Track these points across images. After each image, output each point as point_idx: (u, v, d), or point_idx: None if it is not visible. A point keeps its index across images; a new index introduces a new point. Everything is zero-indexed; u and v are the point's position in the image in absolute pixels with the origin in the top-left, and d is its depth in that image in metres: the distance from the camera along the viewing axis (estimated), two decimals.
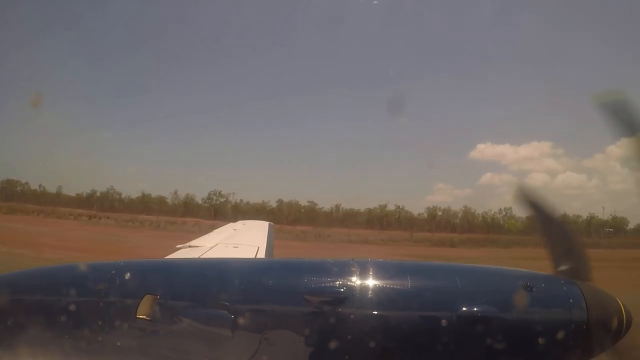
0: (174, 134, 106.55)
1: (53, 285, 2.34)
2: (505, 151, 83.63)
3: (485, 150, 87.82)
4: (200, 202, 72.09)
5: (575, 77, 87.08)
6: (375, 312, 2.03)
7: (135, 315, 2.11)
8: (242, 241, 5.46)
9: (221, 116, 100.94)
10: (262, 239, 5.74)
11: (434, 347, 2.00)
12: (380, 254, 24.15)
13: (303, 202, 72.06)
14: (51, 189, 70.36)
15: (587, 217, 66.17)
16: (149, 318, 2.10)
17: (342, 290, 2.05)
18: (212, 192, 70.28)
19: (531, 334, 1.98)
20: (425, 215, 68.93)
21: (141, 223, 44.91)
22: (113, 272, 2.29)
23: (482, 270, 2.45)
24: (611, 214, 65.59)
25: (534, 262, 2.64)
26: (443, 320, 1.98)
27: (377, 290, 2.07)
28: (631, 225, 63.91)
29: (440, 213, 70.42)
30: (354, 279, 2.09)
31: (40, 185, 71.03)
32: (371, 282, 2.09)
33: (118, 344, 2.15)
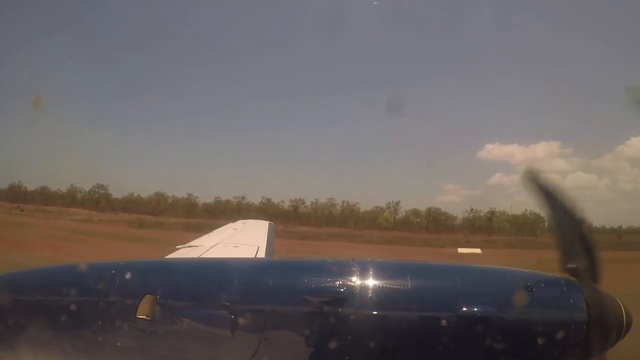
0: (174, 134, 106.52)
1: (53, 285, 2.34)
2: (513, 151, 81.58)
3: (493, 150, 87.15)
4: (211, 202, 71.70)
5: (578, 77, 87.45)
6: (376, 312, 2.02)
7: (135, 315, 2.11)
8: (242, 241, 5.47)
9: (221, 116, 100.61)
10: (262, 238, 5.76)
11: (434, 347, 2.00)
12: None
13: (322, 201, 70.69)
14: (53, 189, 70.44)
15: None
16: (149, 318, 2.10)
17: (342, 290, 2.05)
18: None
19: (531, 334, 1.98)
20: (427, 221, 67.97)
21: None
22: (113, 271, 2.29)
23: (483, 270, 2.45)
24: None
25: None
26: (443, 321, 1.98)
27: (377, 290, 2.07)
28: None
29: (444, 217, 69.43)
30: (354, 279, 2.09)
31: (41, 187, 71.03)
32: (371, 282, 2.09)
33: (118, 344, 2.15)
